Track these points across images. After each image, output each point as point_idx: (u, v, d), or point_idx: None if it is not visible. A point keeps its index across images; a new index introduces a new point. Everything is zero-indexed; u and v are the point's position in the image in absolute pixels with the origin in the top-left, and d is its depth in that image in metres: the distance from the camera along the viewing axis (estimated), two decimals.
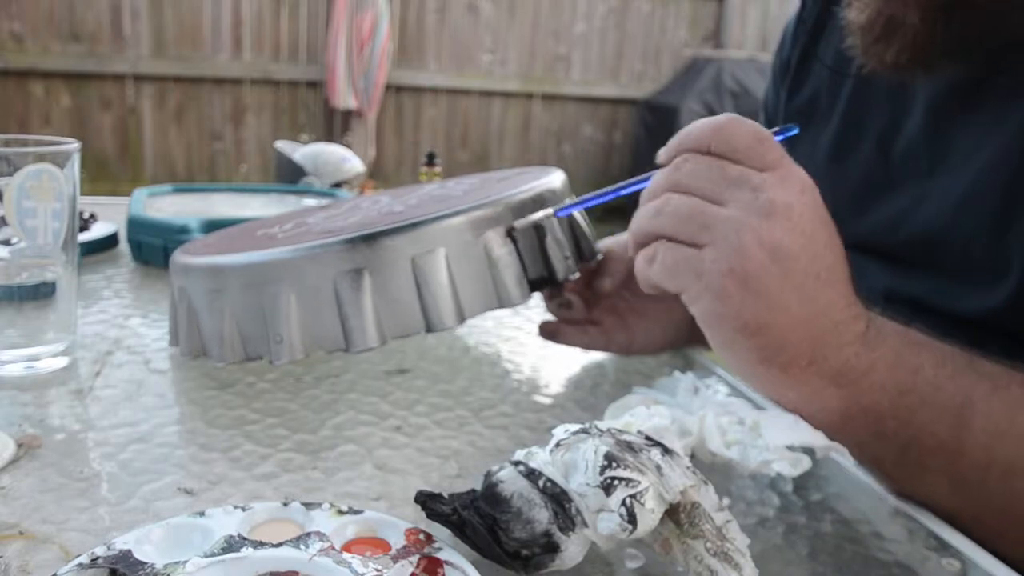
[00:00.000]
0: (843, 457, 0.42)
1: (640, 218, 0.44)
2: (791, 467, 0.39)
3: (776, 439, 0.40)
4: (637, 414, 0.42)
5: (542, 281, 0.51)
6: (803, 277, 0.40)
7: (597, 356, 0.64)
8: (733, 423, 0.42)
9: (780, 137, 0.45)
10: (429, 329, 0.47)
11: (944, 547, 0.40)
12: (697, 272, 0.41)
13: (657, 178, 0.45)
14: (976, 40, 0.50)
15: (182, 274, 0.52)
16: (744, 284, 0.40)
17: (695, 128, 0.44)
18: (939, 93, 0.54)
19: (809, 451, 0.41)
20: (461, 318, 0.47)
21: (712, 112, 4.28)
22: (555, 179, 0.55)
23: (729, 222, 0.40)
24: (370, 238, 0.46)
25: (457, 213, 0.48)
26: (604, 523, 0.32)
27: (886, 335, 0.42)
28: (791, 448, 0.40)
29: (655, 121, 4.53)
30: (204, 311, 0.50)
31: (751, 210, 0.40)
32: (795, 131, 0.47)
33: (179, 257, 0.53)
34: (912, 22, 0.48)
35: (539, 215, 0.51)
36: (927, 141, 0.54)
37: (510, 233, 0.49)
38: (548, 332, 0.62)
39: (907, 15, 0.49)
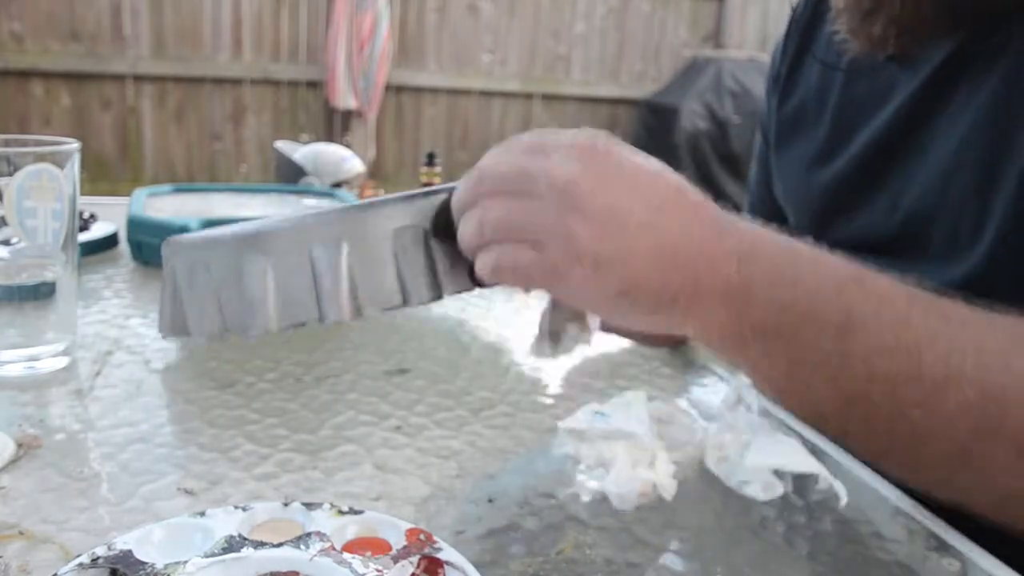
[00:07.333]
0: (847, 461, 0.43)
1: (466, 233, 0.44)
2: (763, 491, 0.42)
3: (763, 461, 0.42)
4: (638, 399, 0.45)
5: None
6: (641, 218, 0.40)
7: (596, 356, 0.64)
8: (734, 440, 0.44)
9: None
10: (405, 303, 0.46)
11: (944, 547, 0.40)
12: (547, 274, 0.41)
13: (466, 187, 0.44)
14: (963, 10, 0.52)
15: (171, 253, 0.51)
16: (591, 261, 0.40)
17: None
18: (921, 80, 0.55)
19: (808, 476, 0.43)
20: (437, 294, 0.46)
21: (712, 112, 4.30)
22: None
23: (544, 218, 0.41)
24: (350, 209, 0.46)
25: (440, 191, 0.47)
26: None
27: (763, 248, 0.43)
28: (776, 472, 0.42)
29: (655, 121, 4.52)
30: (186, 286, 0.49)
31: (554, 199, 0.40)
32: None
33: (170, 238, 0.53)
34: None
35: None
36: (911, 130, 0.56)
37: None
38: None
39: None
